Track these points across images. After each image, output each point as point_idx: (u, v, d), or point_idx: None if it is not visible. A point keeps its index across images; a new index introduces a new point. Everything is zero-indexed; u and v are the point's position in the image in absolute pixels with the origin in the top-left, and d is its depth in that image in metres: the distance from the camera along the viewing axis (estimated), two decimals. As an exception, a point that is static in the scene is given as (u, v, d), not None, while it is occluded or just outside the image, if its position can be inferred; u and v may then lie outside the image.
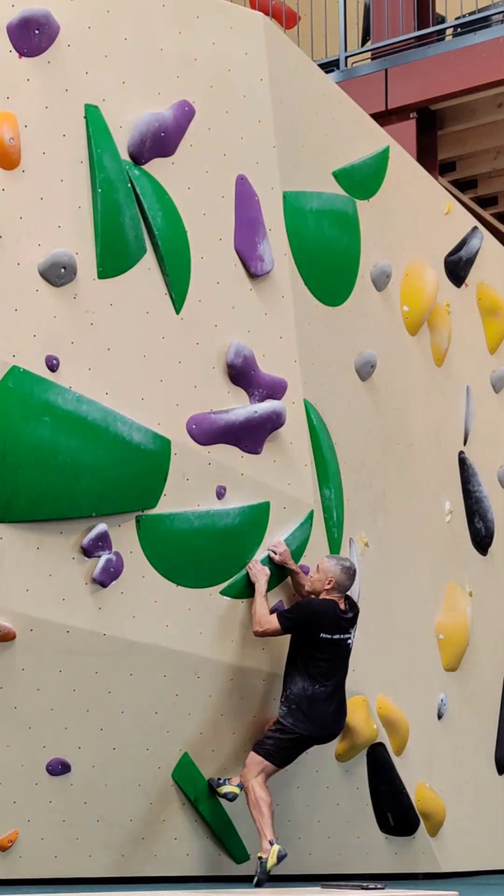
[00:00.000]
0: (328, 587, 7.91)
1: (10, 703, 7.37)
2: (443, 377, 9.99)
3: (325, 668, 7.83)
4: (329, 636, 7.84)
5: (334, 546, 8.42)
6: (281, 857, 7.64)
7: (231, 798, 7.87)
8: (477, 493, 10.27)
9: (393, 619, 9.15)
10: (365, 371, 9.04)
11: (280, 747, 7.80)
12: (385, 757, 8.71)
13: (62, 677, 7.48)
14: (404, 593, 9.33)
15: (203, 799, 7.97)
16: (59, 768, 7.53)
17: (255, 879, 7.65)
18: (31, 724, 7.42)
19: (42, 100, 7.53)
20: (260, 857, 7.67)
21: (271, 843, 7.66)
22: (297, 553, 8.16)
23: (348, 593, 8.06)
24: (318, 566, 7.99)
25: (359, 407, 8.98)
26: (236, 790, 7.86)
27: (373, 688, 8.68)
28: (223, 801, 8.01)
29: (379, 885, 7.23)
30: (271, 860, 7.63)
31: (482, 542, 10.34)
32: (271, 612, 7.96)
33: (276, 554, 7.96)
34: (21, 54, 7.48)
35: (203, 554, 7.82)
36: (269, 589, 7.91)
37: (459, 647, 9.78)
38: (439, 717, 9.56)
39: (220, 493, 7.92)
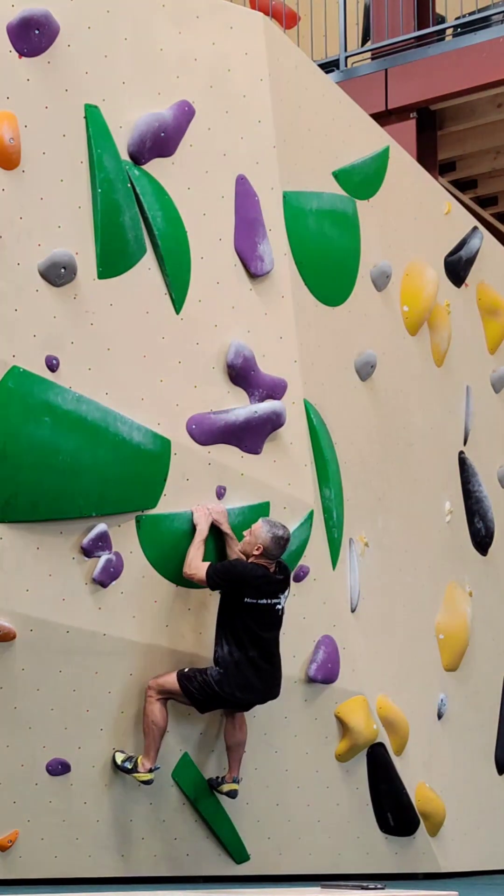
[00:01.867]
0: (256, 553, 7.74)
1: (10, 703, 7.37)
2: (443, 377, 9.99)
3: (252, 633, 7.67)
4: (253, 601, 7.66)
5: (334, 546, 8.43)
6: (146, 783, 7.57)
7: (233, 796, 7.86)
8: (477, 493, 10.27)
9: (393, 619, 9.15)
10: (365, 371, 9.04)
11: (204, 696, 7.65)
12: (385, 757, 8.71)
13: (62, 677, 7.48)
14: (404, 593, 9.33)
15: (203, 799, 7.97)
16: (59, 768, 7.53)
17: (117, 766, 7.59)
18: (31, 724, 7.43)
19: (42, 100, 7.53)
20: (135, 764, 7.56)
21: (150, 770, 7.57)
22: (297, 553, 8.16)
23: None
24: (251, 528, 7.82)
25: (359, 407, 8.98)
26: (235, 786, 7.84)
27: (373, 688, 8.68)
28: (223, 801, 8.01)
29: (379, 885, 7.22)
30: (140, 776, 7.55)
31: (482, 542, 10.34)
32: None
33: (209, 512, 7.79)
34: (21, 54, 7.48)
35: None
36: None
37: (459, 647, 9.78)
38: (439, 717, 9.56)
39: (220, 493, 7.93)
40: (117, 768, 7.62)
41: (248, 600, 7.66)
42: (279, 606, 7.78)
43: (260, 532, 7.74)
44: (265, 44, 8.31)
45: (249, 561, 7.76)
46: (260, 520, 7.82)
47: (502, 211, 15.06)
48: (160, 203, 7.84)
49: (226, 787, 7.86)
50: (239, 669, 7.65)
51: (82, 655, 7.51)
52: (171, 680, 7.63)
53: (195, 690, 7.63)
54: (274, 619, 7.78)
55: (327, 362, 8.67)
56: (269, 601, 7.73)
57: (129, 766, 7.57)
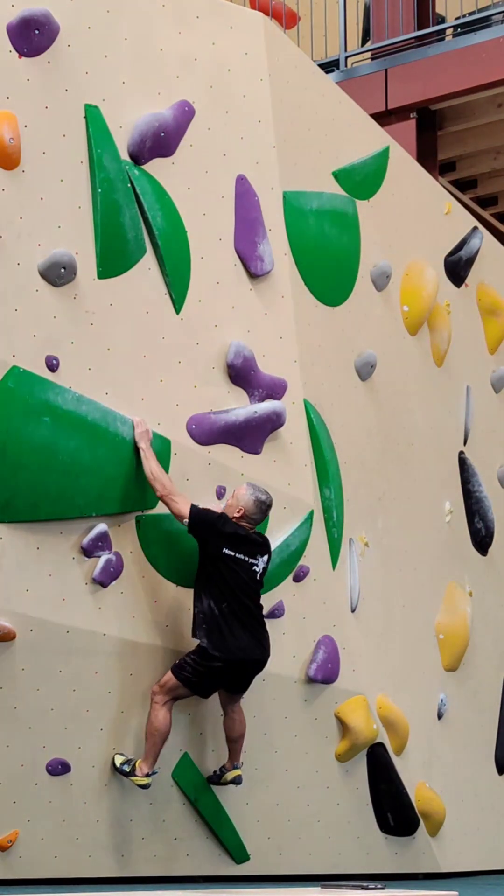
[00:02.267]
0: (237, 515, 7.69)
1: (10, 703, 7.37)
2: (443, 377, 9.99)
3: (231, 586, 7.58)
4: (232, 553, 7.58)
5: (334, 546, 8.43)
6: (143, 787, 7.54)
7: (238, 782, 7.82)
8: (477, 493, 10.27)
9: (393, 619, 9.15)
10: (365, 371, 9.04)
11: (199, 676, 7.59)
12: (385, 757, 8.71)
13: (62, 677, 7.48)
14: (404, 593, 9.33)
15: (203, 799, 7.97)
16: (59, 768, 7.52)
17: (116, 768, 7.58)
18: (31, 724, 7.42)
19: (42, 100, 7.53)
20: (133, 766, 7.55)
21: (148, 774, 7.54)
22: (297, 553, 8.17)
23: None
24: (234, 491, 7.79)
25: (359, 407, 8.98)
26: (238, 772, 7.81)
27: (373, 688, 8.68)
28: (223, 801, 8.01)
29: (379, 885, 7.22)
30: (137, 779, 7.53)
31: (482, 542, 10.34)
32: (270, 614, 8.01)
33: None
34: (21, 54, 7.48)
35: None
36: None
37: (459, 647, 9.79)
38: (439, 717, 9.56)
39: (220, 493, 7.93)
40: (116, 770, 7.61)
41: (227, 552, 7.59)
42: (256, 568, 7.71)
43: (243, 495, 7.72)
44: (265, 44, 8.31)
45: None
46: (245, 483, 7.81)
47: (502, 211, 15.06)
48: (160, 203, 7.84)
49: (229, 776, 7.83)
50: (221, 622, 7.56)
51: (82, 655, 7.51)
52: (168, 677, 7.62)
53: (190, 674, 7.58)
54: (252, 579, 7.68)
55: (327, 362, 8.67)
56: (246, 557, 7.66)
57: (127, 769, 7.57)
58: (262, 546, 7.78)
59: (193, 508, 7.54)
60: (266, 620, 8.04)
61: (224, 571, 7.60)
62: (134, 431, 7.59)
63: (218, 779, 7.87)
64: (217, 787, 7.98)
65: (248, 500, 7.70)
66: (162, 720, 7.56)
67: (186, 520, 7.54)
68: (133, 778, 7.55)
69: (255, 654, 7.72)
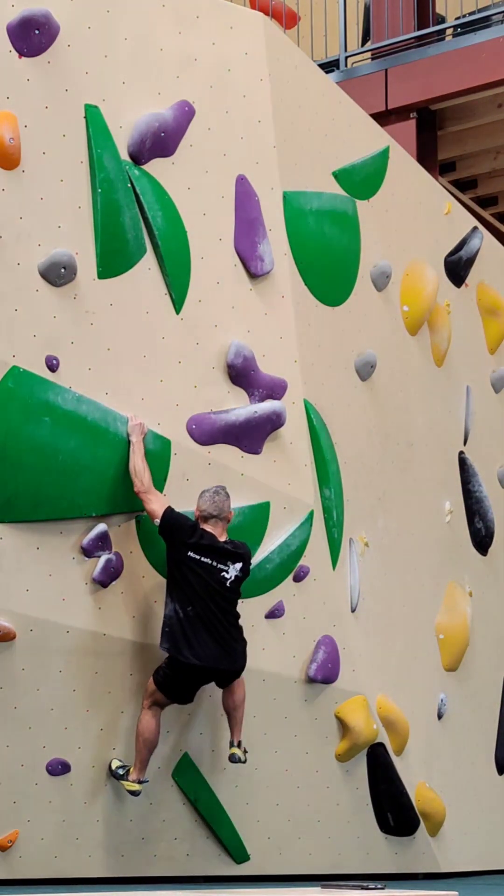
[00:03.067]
0: (198, 515, 7.65)
1: (10, 703, 7.37)
2: (443, 377, 9.99)
3: (196, 590, 7.49)
4: (198, 557, 7.51)
5: (334, 546, 8.43)
6: (132, 793, 7.51)
7: (234, 760, 7.69)
8: (477, 493, 10.27)
9: (393, 619, 9.15)
10: (365, 371, 9.04)
11: (170, 680, 7.55)
12: (385, 757, 8.71)
13: (62, 677, 7.48)
14: (404, 593, 9.33)
15: (203, 799, 7.97)
16: (59, 768, 7.53)
17: (111, 771, 7.56)
18: (31, 724, 7.42)
19: (42, 100, 7.53)
20: (124, 771, 7.53)
21: (139, 782, 7.51)
22: (297, 553, 8.17)
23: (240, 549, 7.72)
24: None
25: (359, 407, 8.98)
26: (237, 750, 7.69)
27: (373, 688, 8.68)
28: (223, 801, 8.01)
29: (379, 885, 7.22)
30: (128, 785, 7.50)
31: (482, 542, 10.34)
32: (270, 614, 8.01)
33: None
34: (21, 54, 7.48)
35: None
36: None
37: (459, 647, 9.78)
38: (439, 717, 9.56)
39: (220, 493, 7.93)
40: (111, 773, 7.62)
41: (192, 555, 7.52)
42: (226, 575, 7.60)
43: (198, 500, 7.67)
44: (265, 44, 8.31)
45: None
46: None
47: (502, 211, 15.06)
48: (160, 203, 7.84)
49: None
50: (185, 626, 7.48)
51: (82, 655, 7.51)
52: (150, 681, 7.62)
53: (163, 679, 7.55)
54: (222, 586, 7.58)
55: (327, 362, 8.67)
56: (213, 562, 7.57)
57: (121, 772, 7.57)
58: (235, 555, 7.67)
59: (167, 511, 7.51)
60: (266, 620, 8.04)
61: (189, 576, 7.54)
62: (127, 425, 7.59)
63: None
64: (217, 787, 7.98)
65: (200, 500, 7.65)
66: (145, 725, 7.55)
67: (158, 521, 7.51)
68: (124, 782, 7.55)
69: (221, 664, 7.62)
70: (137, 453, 7.54)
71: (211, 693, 7.90)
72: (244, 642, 7.73)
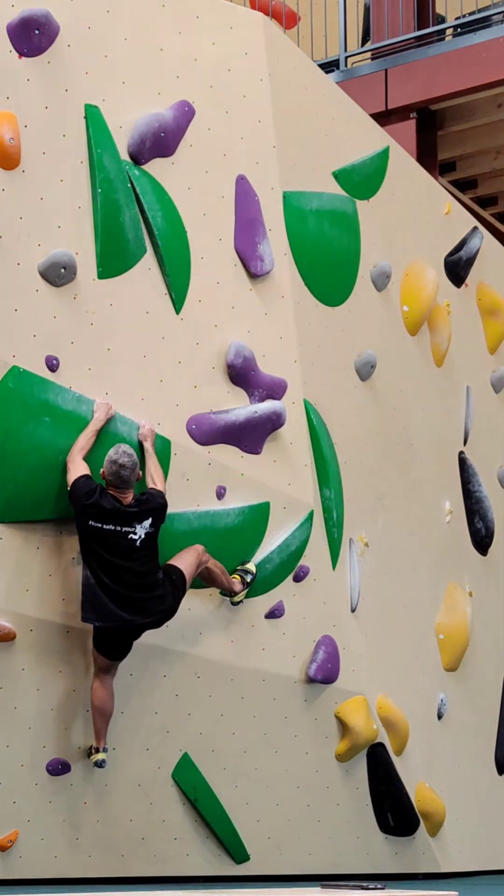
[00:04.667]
0: (103, 478, 7.45)
1: (10, 703, 7.37)
2: (443, 377, 9.99)
3: (101, 558, 7.34)
4: (98, 525, 7.32)
5: (334, 546, 8.43)
6: (98, 764, 7.46)
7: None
8: (477, 493, 10.27)
9: (393, 619, 9.15)
10: (365, 371, 9.04)
11: (95, 638, 7.46)
12: (385, 757, 8.71)
13: (62, 677, 7.48)
14: (404, 593, 9.33)
15: (203, 799, 7.98)
16: (59, 768, 7.53)
17: (91, 756, 7.53)
18: (31, 724, 7.43)
19: (42, 100, 7.53)
20: (90, 750, 7.52)
21: (98, 750, 7.47)
22: (297, 553, 8.16)
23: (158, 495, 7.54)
24: None
25: (359, 407, 8.98)
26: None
27: (373, 688, 8.68)
28: (223, 801, 8.01)
29: (379, 885, 7.22)
30: (92, 758, 7.47)
31: (482, 542, 10.34)
32: (270, 614, 8.01)
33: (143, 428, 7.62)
34: (21, 54, 7.48)
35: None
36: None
37: (459, 647, 9.78)
38: (439, 717, 9.56)
39: (220, 494, 7.93)
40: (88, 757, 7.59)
41: (93, 524, 7.35)
42: (133, 537, 7.41)
43: (105, 458, 7.47)
44: (265, 44, 8.31)
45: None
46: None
47: (502, 211, 15.07)
48: (160, 203, 7.84)
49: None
50: (94, 592, 7.35)
51: (82, 655, 7.51)
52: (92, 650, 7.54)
53: (94, 640, 7.47)
54: (129, 548, 7.39)
55: (327, 362, 8.67)
56: (117, 528, 7.36)
57: (88, 753, 7.55)
58: (142, 514, 7.45)
59: (74, 481, 7.33)
60: (266, 620, 8.05)
61: (92, 543, 7.37)
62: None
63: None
64: (217, 787, 7.98)
65: (106, 463, 7.45)
66: (95, 695, 7.46)
67: (71, 494, 7.35)
68: (91, 758, 7.50)
69: (136, 621, 7.47)
70: (89, 427, 7.42)
71: (211, 693, 7.90)
72: (166, 590, 7.51)
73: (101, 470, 7.44)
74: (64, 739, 7.51)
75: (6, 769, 7.38)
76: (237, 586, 7.91)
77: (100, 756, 7.50)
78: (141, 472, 7.54)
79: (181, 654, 7.77)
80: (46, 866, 7.57)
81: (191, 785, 7.93)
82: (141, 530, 7.46)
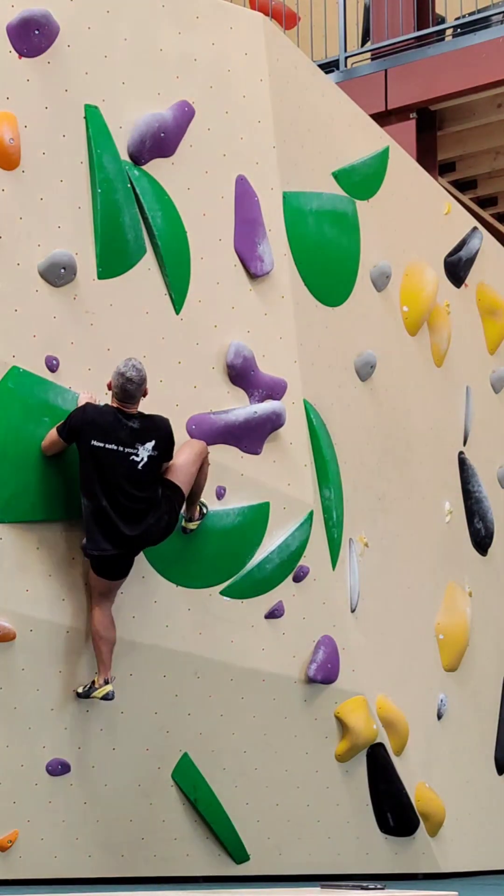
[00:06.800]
0: (108, 392, 7.42)
1: (10, 703, 7.37)
2: (443, 377, 9.99)
3: (102, 480, 7.23)
4: (101, 444, 7.21)
5: (334, 546, 8.43)
6: (105, 697, 7.37)
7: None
8: (477, 493, 10.27)
9: (393, 619, 9.15)
10: (365, 371, 9.04)
11: (92, 562, 7.37)
12: (385, 757, 8.71)
13: (62, 677, 7.48)
14: (404, 593, 9.33)
15: (203, 799, 7.97)
16: (59, 768, 7.53)
17: (79, 693, 7.43)
18: (31, 724, 7.43)
19: (42, 100, 7.53)
20: (91, 684, 7.40)
21: (106, 682, 7.37)
22: (297, 553, 8.16)
23: (162, 424, 7.46)
24: None
25: (359, 407, 8.99)
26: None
27: (372, 688, 8.68)
28: (223, 801, 8.01)
29: (379, 885, 7.22)
30: (99, 692, 7.37)
31: (482, 542, 10.34)
32: (270, 614, 8.02)
33: None
34: (21, 54, 7.49)
35: (203, 554, 7.82)
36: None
37: (459, 647, 9.78)
38: (439, 717, 9.56)
39: (220, 493, 7.93)
40: (78, 697, 7.45)
41: (95, 443, 7.23)
42: (136, 458, 7.31)
43: (113, 372, 7.38)
44: (265, 44, 8.32)
45: (104, 403, 7.43)
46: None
47: (502, 211, 15.07)
48: (160, 203, 7.85)
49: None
50: (94, 519, 7.27)
51: (82, 655, 7.51)
52: (89, 575, 7.43)
53: (92, 563, 7.37)
54: (131, 470, 7.29)
55: (327, 362, 8.67)
56: (119, 448, 7.26)
57: (87, 690, 7.41)
58: (145, 432, 7.34)
59: (59, 427, 7.25)
60: (266, 620, 8.05)
61: (93, 464, 7.23)
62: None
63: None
64: (217, 787, 7.98)
65: (113, 374, 7.33)
66: (97, 622, 7.37)
67: (56, 439, 7.26)
68: (94, 694, 7.39)
69: (134, 547, 7.39)
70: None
71: (211, 693, 7.90)
72: (163, 509, 7.42)
73: (107, 381, 7.36)
74: (64, 739, 7.51)
75: (6, 769, 7.38)
76: (197, 513, 7.78)
77: (108, 688, 7.35)
78: (147, 388, 7.42)
79: (181, 654, 7.77)
80: (46, 866, 7.56)
81: (191, 785, 7.93)
82: (143, 452, 7.32)
